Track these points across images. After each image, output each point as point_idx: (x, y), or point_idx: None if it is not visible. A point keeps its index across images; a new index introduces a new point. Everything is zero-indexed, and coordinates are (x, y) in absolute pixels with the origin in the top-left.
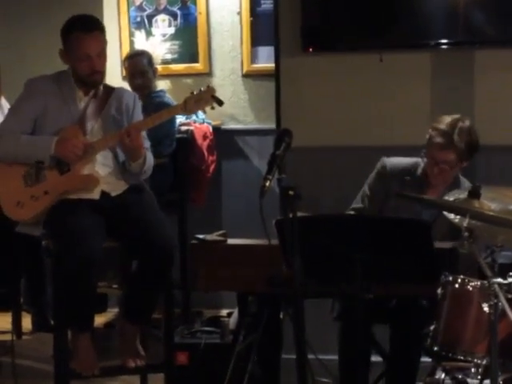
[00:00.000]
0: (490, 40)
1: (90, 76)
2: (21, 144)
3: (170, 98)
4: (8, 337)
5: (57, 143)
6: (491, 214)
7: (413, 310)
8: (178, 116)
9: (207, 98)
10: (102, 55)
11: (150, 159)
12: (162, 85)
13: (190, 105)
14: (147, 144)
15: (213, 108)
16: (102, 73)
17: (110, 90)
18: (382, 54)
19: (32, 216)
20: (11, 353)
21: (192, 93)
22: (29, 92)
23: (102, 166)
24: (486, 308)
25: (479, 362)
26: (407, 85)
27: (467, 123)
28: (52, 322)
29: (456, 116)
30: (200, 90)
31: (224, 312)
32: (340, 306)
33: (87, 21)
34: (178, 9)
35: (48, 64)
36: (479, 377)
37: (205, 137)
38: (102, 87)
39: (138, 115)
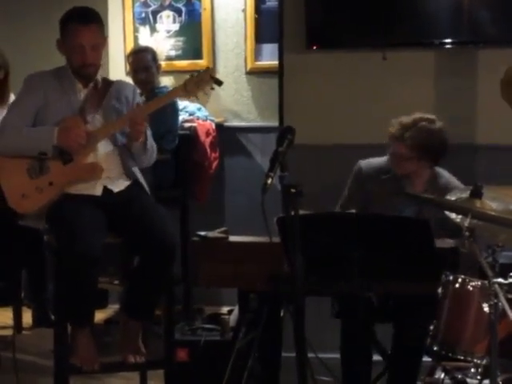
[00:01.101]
0: (494, 39)
1: (82, 68)
2: (23, 136)
3: None
4: (8, 332)
5: (59, 133)
6: (492, 213)
7: (416, 309)
8: (181, 113)
9: (206, 78)
10: (97, 48)
11: (152, 142)
12: (165, 81)
13: (190, 86)
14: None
15: (212, 89)
16: (95, 66)
17: (109, 82)
18: (385, 52)
19: (38, 208)
20: (12, 348)
21: (191, 75)
22: (28, 86)
23: (104, 157)
24: (486, 308)
25: (479, 361)
26: (410, 83)
27: (432, 125)
28: (52, 317)
29: (427, 116)
30: (199, 71)
31: (224, 309)
32: (338, 304)
33: (85, 13)
34: (183, 5)
35: (50, 60)
36: (479, 377)
37: (208, 133)
38: (101, 80)
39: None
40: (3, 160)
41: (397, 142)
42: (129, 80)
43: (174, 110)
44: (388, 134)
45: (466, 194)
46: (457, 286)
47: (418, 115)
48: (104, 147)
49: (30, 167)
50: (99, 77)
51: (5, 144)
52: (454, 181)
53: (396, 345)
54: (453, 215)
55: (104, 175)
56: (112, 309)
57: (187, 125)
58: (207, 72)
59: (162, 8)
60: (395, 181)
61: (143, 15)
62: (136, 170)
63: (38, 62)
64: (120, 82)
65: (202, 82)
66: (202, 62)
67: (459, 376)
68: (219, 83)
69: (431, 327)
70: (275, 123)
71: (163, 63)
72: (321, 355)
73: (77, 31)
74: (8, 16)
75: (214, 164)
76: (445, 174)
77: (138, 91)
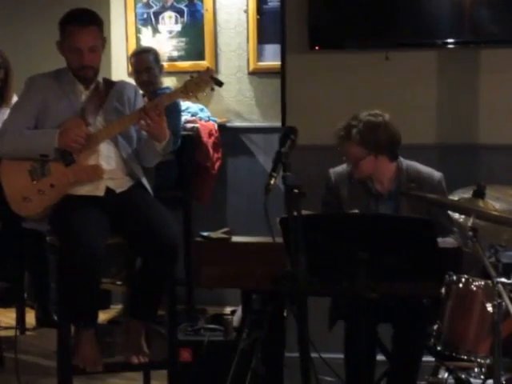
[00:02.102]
0: (496, 39)
1: (80, 70)
2: (25, 139)
3: None
4: (11, 332)
5: (60, 134)
6: (495, 213)
7: (416, 309)
8: (183, 113)
9: (206, 79)
10: (96, 50)
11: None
12: (167, 82)
13: (190, 87)
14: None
15: (212, 89)
16: (93, 68)
17: (110, 83)
18: (388, 52)
19: (40, 210)
20: (14, 348)
21: (191, 76)
22: (29, 89)
23: (106, 158)
24: (489, 308)
25: (482, 361)
26: (413, 83)
27: (378, 119)
28: (55, 318)
29: (373, 111)
30: (199, 72)
31: (227, 309)
32: (333, 306)
33: (83, 14)
34: (185, 6)
35: (51, 61)
36: (482, 376)
37: (210, 134)
38: (102, 81)
39: (140, 106)
40: (5, 163)
41: (346, 142)
42: (131, 81)
43: (177, 111)
44: (335, 140)
45: (468, 194)
46: (460, 285)
47: (363, 113)
48: (106, 148)
49: (32, 169)
50: (100, 78)
51: (6, 147)
52: (424, 169)
53: (396, 345)
54: (456, 215)
55: (106, 176)
56: (115, 309)
57: (190, 125)
58: (207, 73)
59: (164, 9)
60: (362, 183)
61: (145, 16)
62: (139, 171)
63: (40, 62)
64: (122, 83)
65: (202, 82)
66: (205, 63)
67: (463, 376)
68: (220, 84)
69: (435, 327)
70: (278, 124)
71: (165, 64)
72: (324, 355)
73: (75, 33)
74: (9, 17)
75: (217, 164)
76: (412, 165)
77: (141, 92)
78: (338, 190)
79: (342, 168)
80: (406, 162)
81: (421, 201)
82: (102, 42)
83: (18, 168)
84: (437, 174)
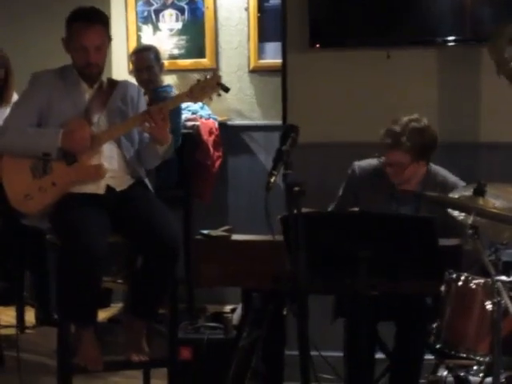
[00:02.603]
0: None
1: (85, 68)
2: (27, 137)
3: (176, 93)
4: (11, 331)
5: (63, 135)
6: (496, 211)
7: (418, 307)
8: (183, 111)
9: (213, 85)
10: (101, 49)
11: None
12: (168, 80)
13: (196, 92)
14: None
15: (219, 95)
16: (98, 66)
17: (114, 82)
18: (389, 50)
19: (41, 208)
20: (16, 347)
21: (198, 80)
22: (33, 86)
23: (108, 158)
24: (489, 306)
25: (482, 359)
26: (414, 81)
27: (421, 123)
28: (56, 317)
29: (412, 116)
30: (206, 77)
31: (228, 308)
32: (336, 304)
33: (91, 13)
34: (186, 4)
35: (52, 60)
36: (481, 374)
37: (211, 132)
38: (106, 80)
39: (143, 106)
40: (6, 159)
41: (394, 150)
42: (132, 79)
43: (177, 110)
44: (383, 146)
45: (469, 192)
46: (460, 283)
47: (403, 118)
48: (108, 149)
49: (34, 167)
50: (104, 77)
51: (8, 143)
52: (450, 176)
53: (398, 343)
54: (455, 213)
55: (107, 174)
56: (115, 307)
57: (190, 123)
58: (214, 78)
59: (164, 7)
60: (388, 183)
61: (146, 14)
62: (141, 171)
63: (40, 61)
64: (125, 83)
65: (207, 87)
66: (205, 61)
67: (462, 374)
68: (226, 90)
69: (434, 325)
70: (278, 122)
71: (166, 62)
72: (324, 353)
73: (81, 31)
74: (9, 16)
75: (217, 163)
76: (440, 171)
77: (142, 91)
78: (359, 186)
79: (368, 164)
80: (434, 167)
81: (418, 200)
82: (107, 40)
83: (20, 165)
84: (461, 184)
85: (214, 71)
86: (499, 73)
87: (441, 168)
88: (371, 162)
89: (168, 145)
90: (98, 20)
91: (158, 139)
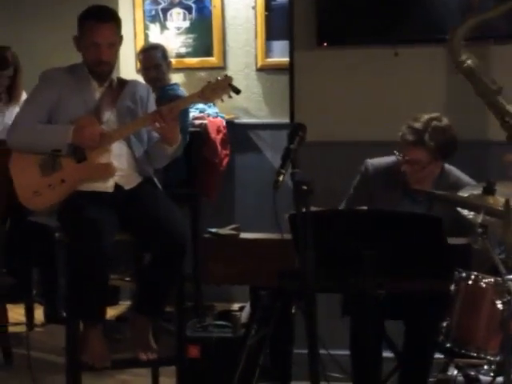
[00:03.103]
0: (505, 35)
1: (97, 65)
2: (37, 133)
3: (183, 92)
4: (20, 328)
5: (74, 131)
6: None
7: (427, 306)
8: (191, 110)
9: (224, 86)
10: (113, 47)
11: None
12: (176, 78)
13: (207, 93)
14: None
15: (230, 97)
16: (110, 64)
17: (123, 81)
18: (396, 48)
19: (49, 205)
20: (25, 345)
21: (209, 82)
22: (43, 83)
23: (117, 157)
24: (499, 305)
25: (492, 358)
26: (422, 79)
27: (443, 123)
28: (64, 314)
29: (433, 115)
30: (217, 78)
31: (236, 306)
32: (344, 300)
33: (104, 11)
34: (193, 2)
35: (62, 59)
36: (492, 374)
37: (218, 131)
38: (116, 79)
39: (152, 106)
40: (15, 156)
41: (416, 148)
42: (139, 77)
43: (185, 109)
44: (402, 143)
45: (478, 191)
46: (470, 282)
47: (425, 116)
48: (118, 147)
49: (43, 164)
50: (114, 76)
51: (18, 140)
52: (464, 177)
53: (408, 342)
54: (465, 212)
55: (116, 173)
56: (123, 305)
57: (198, 122)
58: (225, 80)
59: (171, 5)
60: (401, 181)
61: (153, 13)
62: (150, 170)
63: (48, 60)
64: (134, 82)
65: (219, 89)
66: (213, 60)
67: (472, 373)
68: (237, 91)
69: (444, 324)
70: (286, 120)
71: (173, 60)
72: (332, 352)
73: (94, 28)
74: (15, 14)
75: (225, 161)
76: (454, 171)
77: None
78: (372, 184)
79: (381, 162)
80: (448, 166)
81: (430, 199)
82: (118, 39)
83: (29, 161)
84: (473, 182)
85: (226, 73)
86: (457, 72)
87: (454, 168)
88: (384, 159)
89: (177, 145)
90: (111, 18)
91: (168, 139)
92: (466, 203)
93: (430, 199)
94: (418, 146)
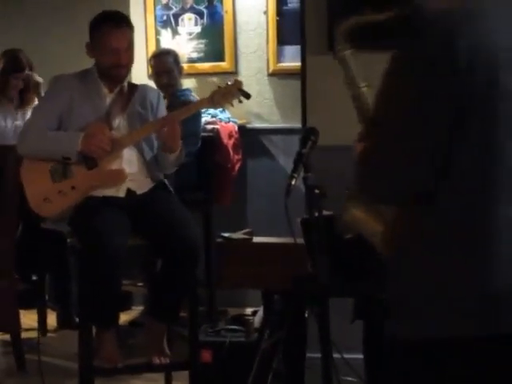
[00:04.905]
0: None
1: (114, 69)
2: (47, 140)
3: (195, 97)
4: (33, 334)
5: (83, 139)
6: None
7: None
8: (203, 115)
9: (234, 91)
10: (130, 50)
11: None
12: (187, 83)
13: (217, 98)
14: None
15: (240, 101)
16: (127, 67)
17: (133, 87)
18: None
19: (60, 211)
20: (38, 350)
21: (219, 87)
22: (54, 89)
23: (128, 162)
24: None
25: None
26: None
27: None
28: (77, 320)
29: None
30: (227, 83)
31: (248, 310)
32: (355, 305)
33: (117, 16)
34: (205, 7)
35: (73, 63)
36: None
37: (230, 135)
38: (126, 84)
39: (162, 111)
40: (26, 162)
41: None
42: (151, 83)
43: (197, 113)
44: None
45: None
46: None
47: None
48: (129, 153)
49: (54, 170)
50: (125, 81)
51: (28, 146)
52: None
53: None
54: None
55: (128, 179)
56: (136, 310)
57: (210, 127)
58: (235, 85)
59: (183, 11)
60: None
61: (165, 18)
62: (160, 173)
63: (62, 63)
64: (145, 87)
65: (228, 94)
66: (224, 65)
67: None
68: (247, 96)
69: None
70: (298, 125)
71: (185, 66)
72: (346, 356)
73: (110, 34)
74: (32, 17)
75: (237, 166)
76: None
77: (162, 95)
78: None
79: None
80: None
81: None
82: (133, 43)
83: (39, 168)
84: None
85: (236, 78)
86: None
87: None
88: None
89: (178, 152)
90: (125, 23)
91: (170, 146)
92: None
93: None
94: None
